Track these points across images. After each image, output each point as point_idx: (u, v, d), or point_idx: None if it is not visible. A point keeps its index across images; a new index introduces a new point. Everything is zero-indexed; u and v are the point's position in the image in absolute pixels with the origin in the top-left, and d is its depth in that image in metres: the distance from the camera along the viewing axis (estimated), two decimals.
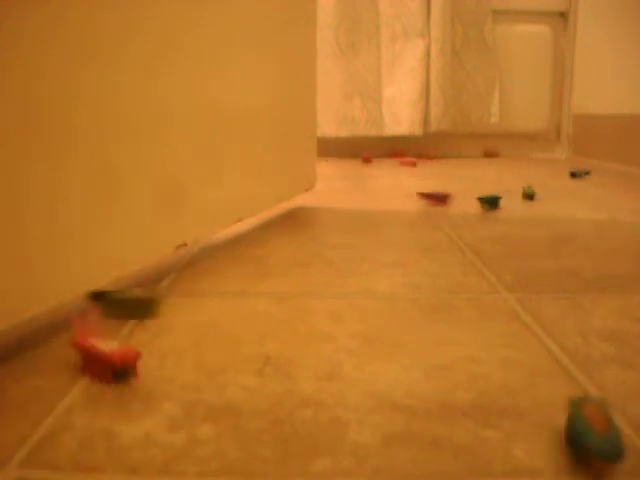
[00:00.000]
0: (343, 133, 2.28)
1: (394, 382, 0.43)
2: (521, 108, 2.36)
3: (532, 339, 0.51)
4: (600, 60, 2.13)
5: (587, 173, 1.66)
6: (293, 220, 1.03)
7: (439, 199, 1.21)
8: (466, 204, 1.21)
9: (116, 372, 0.43)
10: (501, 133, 2.40)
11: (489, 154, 2.36)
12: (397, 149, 2.36)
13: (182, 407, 0.39)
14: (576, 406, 0.35)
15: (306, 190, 1.15)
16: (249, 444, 0.35)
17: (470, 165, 2.05)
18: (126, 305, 0.53)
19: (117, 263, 0.57)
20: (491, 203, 1.16)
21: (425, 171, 1.85)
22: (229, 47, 0.78)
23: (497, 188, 1.45)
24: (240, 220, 0.86)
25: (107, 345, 0.44)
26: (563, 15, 2.34)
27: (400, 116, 2.23)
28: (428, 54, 2.19)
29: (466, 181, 1.59)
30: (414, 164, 1.89)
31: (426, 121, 2.25)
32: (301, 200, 1.23)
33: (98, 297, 0.53)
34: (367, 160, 1.94)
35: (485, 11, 2.24)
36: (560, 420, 0.38)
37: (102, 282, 0.55)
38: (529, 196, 1.26)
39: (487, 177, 1.69)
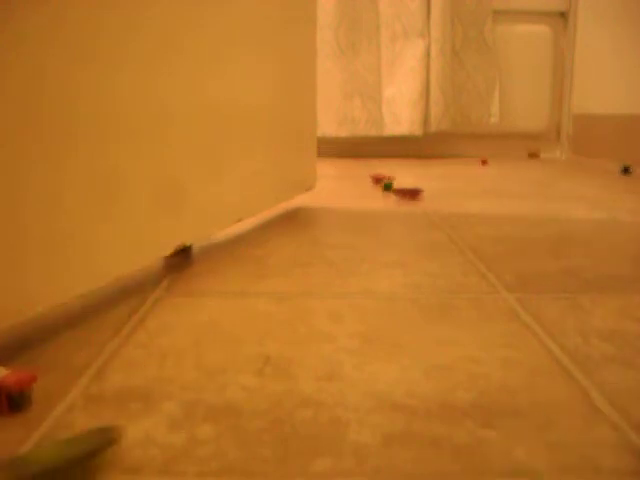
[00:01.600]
0: (343, 133, 2.28)
1: (394, 382, 0.43)
2: (521, 108, 2.36)
3: (532, 339, 0.51)
4: (600, 60, 2.13)
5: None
6: (293, 220, 1.03)
7: (411, 194, 1.28)
8: (465, 203, 1.21)
9: (12, 401, 0.38)
10: (501, 133, 2.40)
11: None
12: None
13: (182, 407, 0.39)
14: None
15: (306, 190, 1.15)
16: (249, 444, 0.35)
17: (471, 165, 2.05)
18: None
19: (117, 263, 0.57)
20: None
21: (426, 171, 1.85)
22: (229, 47, 0.78)
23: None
24: (240, 220, 0.86)
25: None
26: (563, 15, 2.34)
27: (400, 116, 2.23)
28: (428, 54, 2.19)
29: (466, 181, 1.59)
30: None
31: (426, 121, 2.25)
32: (301, 200, 1.23)
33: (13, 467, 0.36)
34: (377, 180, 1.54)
35: (485, 11, 2.24)
36: (560, 420, 0.38)
37: (102, 282, 0.55)
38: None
39: (486, 177, 1.69)
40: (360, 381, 0.43)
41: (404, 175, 1.73)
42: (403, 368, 0.45)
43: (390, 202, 1.23)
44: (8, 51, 0.43)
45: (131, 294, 0.63)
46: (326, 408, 0.39)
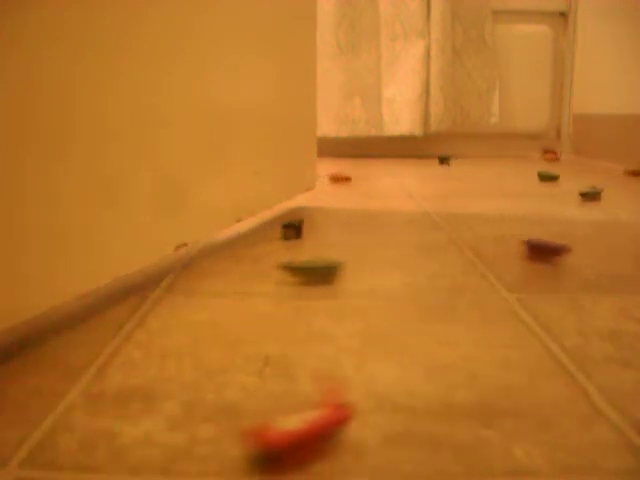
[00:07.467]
0: (343, 133, 2.28)
1: (394, 382, 0.43)
2: (521, 108, 2.36)
3: (532, 339, 0.51)
4: (600, 60, 2.13)
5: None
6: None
7: (551, 251, 0.77)
8: (465, 203, 1.21)
9: None
10: (501, 133, 2.40)
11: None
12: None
13: (182, 407, 0.39)
14: None
15: (306, 190, 1.15)
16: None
17: (473, 165, 2.05)
18: (314, 273, 0.66)
19: (117, 263, 0.57)
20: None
21: (426, 171, 1.85)
22: (229, 47, 0.78)
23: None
24: (240, 220, 0.86)
25: None
26: (563, 15, 2.34)
27: (400, 116, 2.23)
28: (428, 54, 2.20)
29: (467, 181, 1.59)
30: None
31: (426, 121, 2.25)
32: (301, 200, 1.23)
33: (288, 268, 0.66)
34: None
35: (485, 11, 2.24)
36: (560, 420, 0.38)
37: (102, 282, 0.55)
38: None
39: (486, 177, 1.69)
40: (360, 381, 0.43)
41: (404, 175, 1.73)
42: (403, 368, 0.45)
43: (390, 203, 1.23)
44: (6, 51, 0.43)
45: (131, 294, 0.63)
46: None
